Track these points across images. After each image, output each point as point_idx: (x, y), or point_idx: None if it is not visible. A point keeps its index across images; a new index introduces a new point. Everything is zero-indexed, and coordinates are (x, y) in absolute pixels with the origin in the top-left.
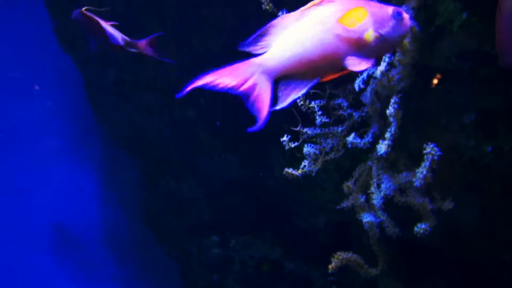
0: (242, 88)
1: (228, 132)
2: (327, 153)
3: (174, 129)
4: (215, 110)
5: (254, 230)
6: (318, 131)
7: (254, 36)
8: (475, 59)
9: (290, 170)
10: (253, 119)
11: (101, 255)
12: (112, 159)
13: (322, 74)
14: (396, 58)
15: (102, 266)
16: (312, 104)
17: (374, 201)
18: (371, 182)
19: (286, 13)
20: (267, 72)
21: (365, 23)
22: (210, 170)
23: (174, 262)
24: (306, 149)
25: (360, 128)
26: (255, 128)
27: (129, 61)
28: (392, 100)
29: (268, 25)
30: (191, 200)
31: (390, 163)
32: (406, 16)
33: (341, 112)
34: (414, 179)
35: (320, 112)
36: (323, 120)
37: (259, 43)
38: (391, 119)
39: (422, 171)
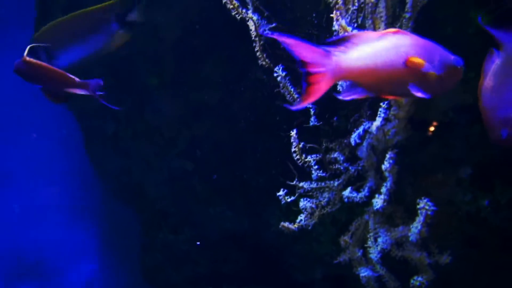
0: (310, 68)
1: (225, 185)
2: (323, 207)
3: (172, 182)
4: (211, 162)
5: (251, 283)
6: (314, 185)
7: (338, 37)
8: (471, 114)
9: (286, 224)
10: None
11: None
12: (111, 212)
13: (383, 90)
14: (392, 113)
15: None
16: (308, 158)
17: (372, 255)
18: (368, 236)
19: (282, 68)
20: (337, 71)
21: (432, 64)
22: (206, 223)
23: None
24: (303, 203)
25: (356, 182)
26: (295, 107)
27: (127, 114)
28: (388, 155)
29: (352, 34)
30: (187, 252)
31: (387, 217)
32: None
33: (337, 166)
34: (409, 234)
35: (316, 166)
36: (319, 174)
37: (340, 46)
38: (387, 174)
39: (417, 226)
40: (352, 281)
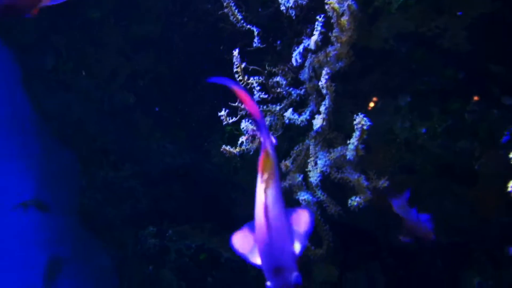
0: None
1: (167, 118)
2: None
3: (113, 117)
4: (154, 95)
5: (193, 220)
6: None
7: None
8: (412, 41)
9: (228, 148)
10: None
11: (33, 255)
12: (49, 152)
13: None
14: (334, 35)
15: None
16: (251, 80)
17: (312, 179)
18: (309, 161)
19: None
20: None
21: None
22: (148, 158)
23: (111, 257)
24: (244, 124)
25: (298, 107)
26: None
27: (68, 47)
28: (324, 72)
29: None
30: (128, 189)
31: (328, 143)
32: None
33: (280, 90)
34: (347, 152)
35: (258, 87)
36: (261, 96)
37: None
38: (324, 91)
39: (353, 142)
40: None
